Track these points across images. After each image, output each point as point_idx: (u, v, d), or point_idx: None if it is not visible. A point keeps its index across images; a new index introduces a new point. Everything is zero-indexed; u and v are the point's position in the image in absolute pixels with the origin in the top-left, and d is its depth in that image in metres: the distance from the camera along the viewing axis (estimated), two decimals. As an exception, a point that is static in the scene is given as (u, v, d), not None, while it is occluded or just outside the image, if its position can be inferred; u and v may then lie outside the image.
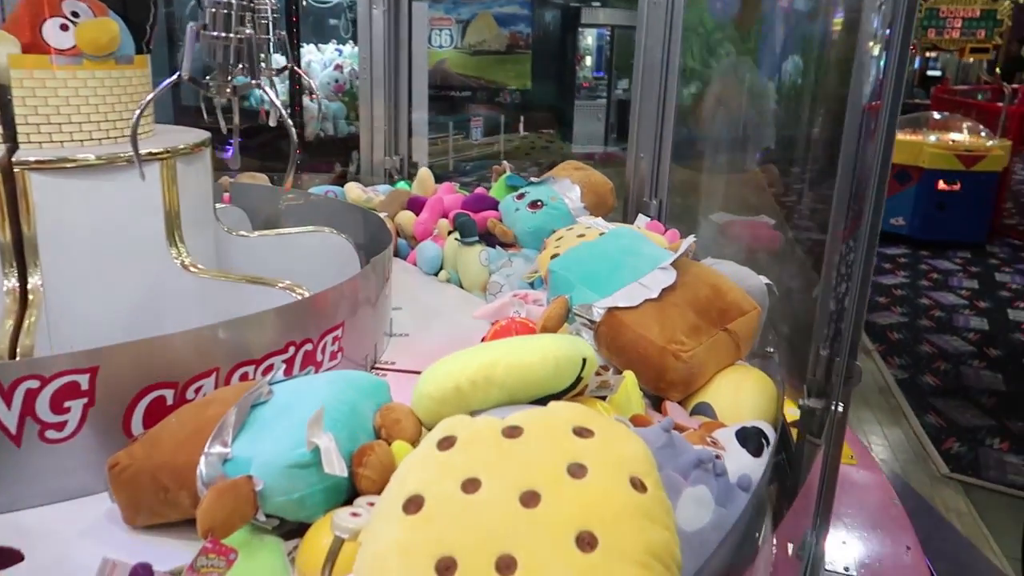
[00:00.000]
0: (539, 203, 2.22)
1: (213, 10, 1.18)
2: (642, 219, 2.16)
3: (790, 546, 1.18)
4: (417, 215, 2.49)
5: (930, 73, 13.98)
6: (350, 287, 1.55)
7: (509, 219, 2.28)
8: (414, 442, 1.04)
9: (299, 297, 1.53)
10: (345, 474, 0.91)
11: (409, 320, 1.97)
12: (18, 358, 1.27)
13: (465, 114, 10.53)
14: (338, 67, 6.88)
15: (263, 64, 1.35)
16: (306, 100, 6.09)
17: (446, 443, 0.82)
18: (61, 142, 1.50)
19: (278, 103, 1.24)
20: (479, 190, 2.66)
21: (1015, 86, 8.95)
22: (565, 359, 1.01)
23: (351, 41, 7.47)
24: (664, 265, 1.42)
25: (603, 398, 1.15)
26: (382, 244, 1.91)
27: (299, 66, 5.78)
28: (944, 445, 3.84)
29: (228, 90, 1.24)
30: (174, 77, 1.17)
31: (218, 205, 1.96)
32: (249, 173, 2.91)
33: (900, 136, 6.56)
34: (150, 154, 1.53)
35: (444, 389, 1.00)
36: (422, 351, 1.79)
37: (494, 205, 2.39)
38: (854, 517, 1.46)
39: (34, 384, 1.08)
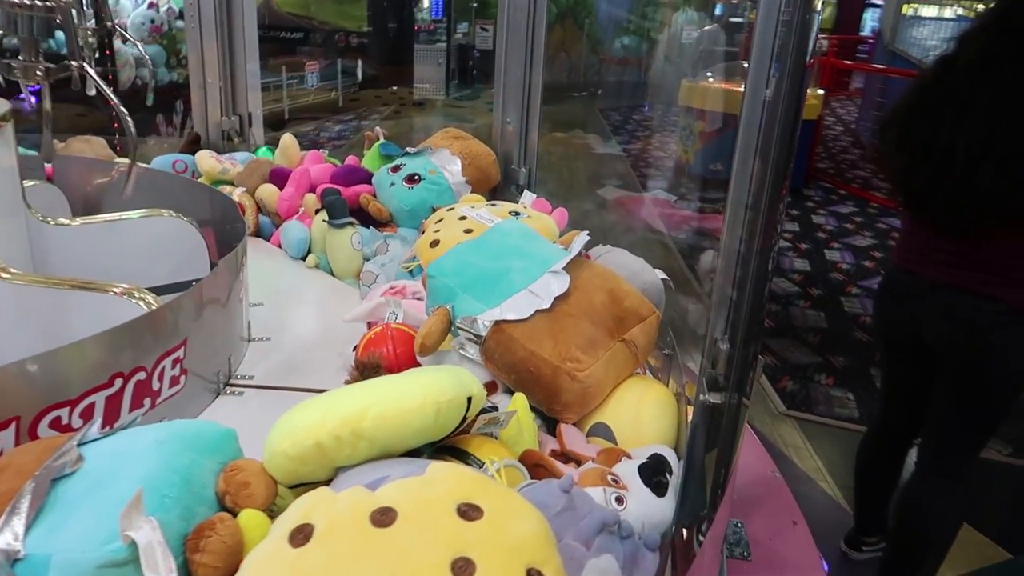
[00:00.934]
0: (416, 177, 2.03)
1: (13, -29, 0.92)
2: (528, 196, 1.99)
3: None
4: (281, 189, 2.21)
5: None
6: (194, 296, 1.31)
7: (384, 195, 2.07)
8: (267, 507, 0.87)
9: (142, 304, 1.31)
10: (174, 573, 0.73)
11: (271, 319, 1.74)
12: None
13: (297, 57, 9.89)
14: (152, 5, 6.14)
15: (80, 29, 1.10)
16: (117, 43, 5.40)
17: (300, 535, 0.67)
18: None
19: (109, 92, 1.01)
20: (350, 159, 2.41)
21: (825, 37, 9.66)
22: (448, 404, 0.87)
23: (165, -25, 6.70)
24: (556, 268, 1.28)
25: (492, 433, 1.05)
26: (234, 229, 1.70)
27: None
28: (780, 384, 4.15)
29: (39, 72, 0.99)
30: (-38, 58, 0.92)
31: (28, 183, 1.65)
32: (82, 137, 2.50)
33: (720, 85, 6.88)
34: (-69, 136, 1.24)
35: (303, 447, 0.83)
36: (287, 359, 1.58)
37: (368, 178, 2.16)
38: (738, 494, 1.48)
39: None
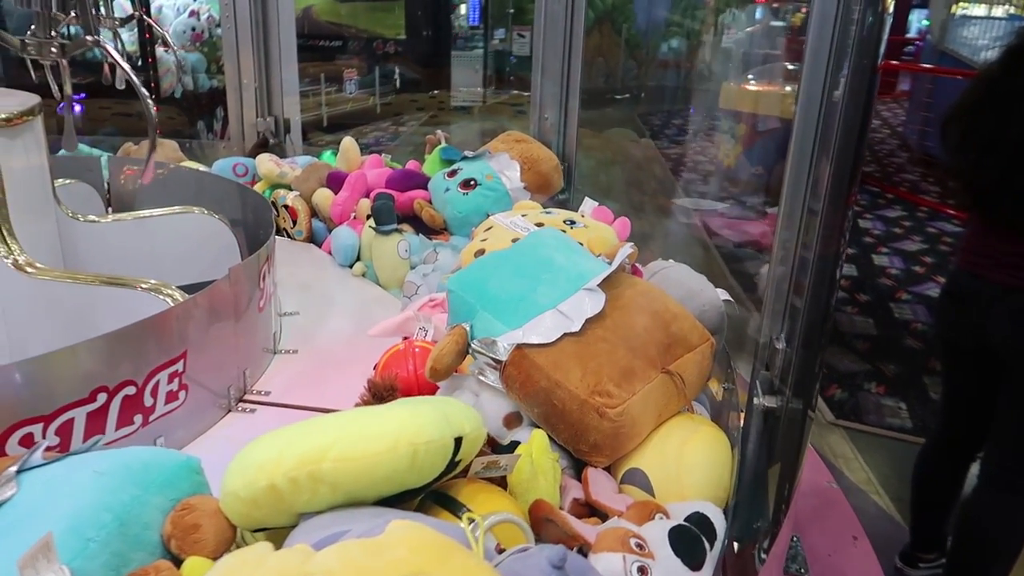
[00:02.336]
0: (472, 182, 1.93)
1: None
2: (588, 204, 1.82)
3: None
4: (337, 193, 2.14)
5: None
6: (195, 305, 1.23)
7: (438, 200, 1.97)
8: (218, 555, 0.76)
9: (168, 300, 1.27)
10: None
11: (304, 330, 1.69)
12: None
13: (337, 65, 9.97)
14: (194, 13, 6.22)
15: (102, 12, 1.05)
16: (160, 51, 5.48)
17: None
18: None
19: (123, 63, 0.97)
20: (411, 164, 2.33)
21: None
22: (427, 445, 0.74)
23: (206, -16, 6.80)
24: (591, 286, 1.10)
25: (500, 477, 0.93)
26: (264, 229, 1.65)
27: (149, 14, 5.18)
28: (828, 392, 4.00)
29: (53, 50, 0.95)
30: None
31: (58, 182, 1.63)
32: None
33: (762, 88, 6.74)
34: (-41, 128, 1.21)
35: (255, 488, 0.72)
36: (310, 374, 1.51)
37: (424, 183, 2.07)
38: (795, 506, 1.38)
39: None
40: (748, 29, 8.24)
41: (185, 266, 1.69)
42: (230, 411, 1.36)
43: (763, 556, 0.89)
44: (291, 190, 2.27)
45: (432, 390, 1.16)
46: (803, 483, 1.47)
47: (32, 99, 1.44)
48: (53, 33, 0.95)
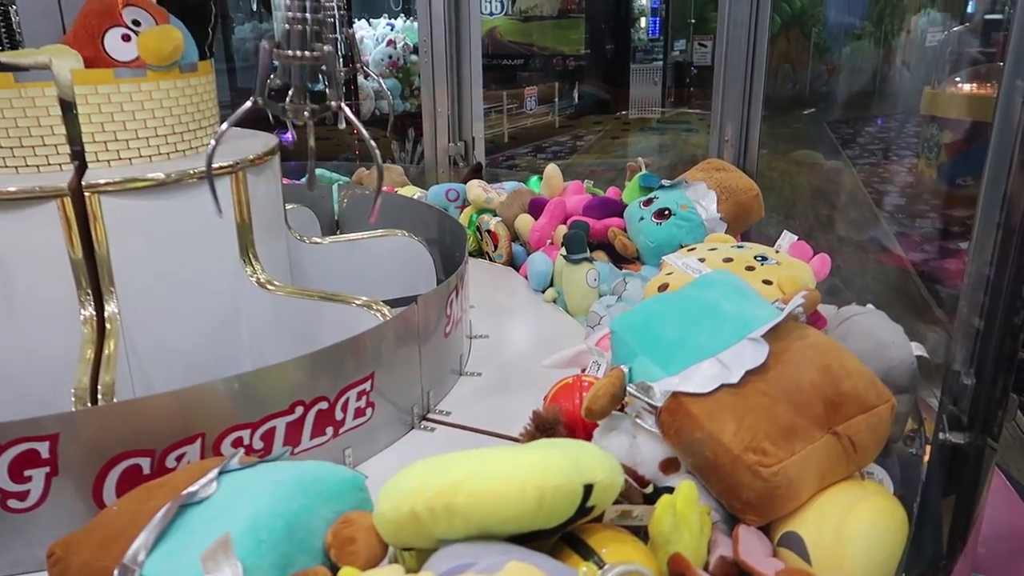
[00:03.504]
0: (667, 212, 1.90)
1: (287, 27, 1.07)
2: (787, 237, 1.70)
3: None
4: (537, 219, 2.22)
5: None
6: (383, 332, 1.35)
7: (633, 229, 1.97)
8: (370, 566, 0.84)
9: (379, 316, 1.44)
10: None
11: (491, 353, 1.76)
12: (100, 397, 1.22)
13: (518, 83, 10.33)
14: (391, 43, 6.75)
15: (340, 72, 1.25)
16: (359, 78, 6.00)
17: None
18: (129, 159, 1.44)
19: (362, 129, 1.14)
20: (611, 191, 2.36)
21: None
22: (554, 490, 0.76)
23: (402, 15, 7.34)
24: (754, 336, 1.05)
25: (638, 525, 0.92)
26: (459, 253, 1.81)
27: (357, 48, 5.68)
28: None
29: (306, 113, 1.14)
30: (248, 103, 1.08)
31: (289, 207, 1.89)
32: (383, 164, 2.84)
33: (972, 91, 6.14)
34: (219, 167, 1.45)
35: (400, 512, 0.79)
36: (491, 398, 1.58)
37: (621, 210, 2.08)
38: (986, 547, 1.30)
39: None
40: (955, 28, 7.57)
41: (389, 283, 1.90)
42: (413, 428, 1.46)
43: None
44: (495, 215, 2.40)
45: (593, 428, 1.16)
46: (1000, 525, 1.38)
47: (272, 140, 1.69)
48: (305, 101, 1.13)
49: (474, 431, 1.45)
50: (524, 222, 2.26)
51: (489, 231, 2.35)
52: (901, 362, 1.17)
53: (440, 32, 2.90)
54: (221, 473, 0.90)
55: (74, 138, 1.41)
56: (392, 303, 1.52)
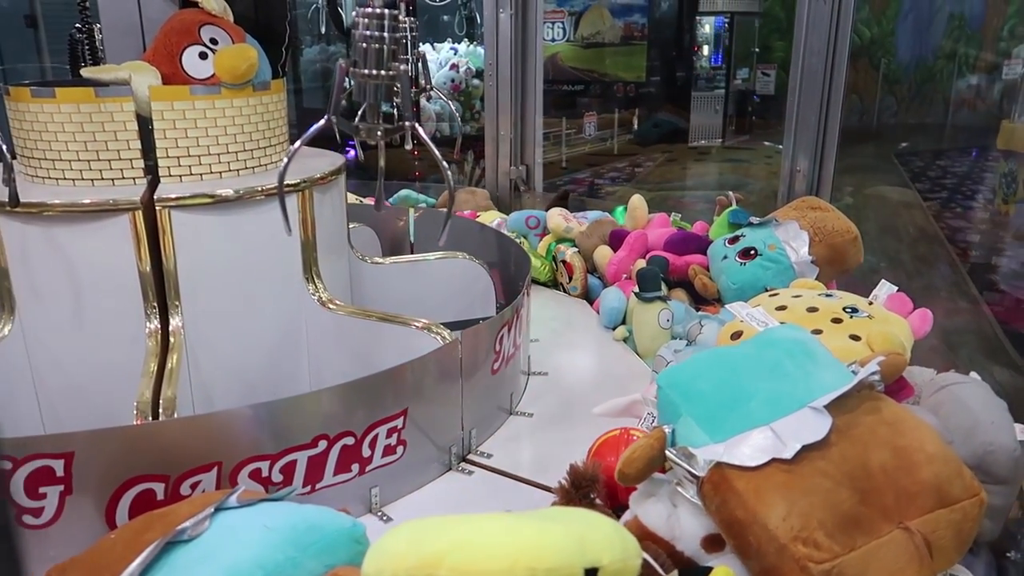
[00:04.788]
0: (752, 252, 1.78)
1: (364, 45, 1.06)
2: (884, 288, 1.53)
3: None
4: (616, 251, 2.13)
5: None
6: (417, 369, 1.28)
7: (715, 268, 1.85)
8: None
9: (439, 339, 1.42)
10: None
11: (547, 392, 1.69)
12: (161, 411, 1.22)
13: (577, 108, 10.34)
14: (454, 66, 6.84)
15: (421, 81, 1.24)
16: (422, 101, 6.08)
17: None
18: (200, 175, 1.45)
19: (435, 149, 1.12)
20: (698, 225, 2.26)
21: None
22: (546, 572, 0.68)
23: (465, 39, 7.44)
24: (816, 404, 0.91)
25: None
26: (521, 279, 1.77)
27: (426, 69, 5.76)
28: None
29: (379, 133, 1.13)
30: (322, 122, 1.08)
31: (352, 226, 1.89)
32: (468, 188, 2.80)
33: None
34: (288, 185, 1.46)
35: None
36: (536, 443, 1.51)
37: (705, 247, 1.96)
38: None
39: (7, 465, 0.96)
40: (1035, 60, 7.30)
41: (449, 304, 1.88)
42: (450, 469, 1.40)
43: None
44: (574, 245, 2.32)
45: (631, 489, 1.06)
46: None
47: (338, 160, 1.70)
48: (378, 120, 1.13)
49: (514, 478, 1.38)
50: (603, 254, 2.17)
51: (564, 262, 2.27)
52: (1002, 448, 1.02)
53: (506, 57, 2.90)
54: (218, 510, 0.86)
55: (148, 153, 1.43)
56: (452, 326, 1.50)
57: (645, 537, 0.93)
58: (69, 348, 1.39)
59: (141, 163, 1.42)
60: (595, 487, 1.03)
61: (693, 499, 0.93)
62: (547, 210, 2.47)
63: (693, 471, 0.91)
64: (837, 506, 0.85)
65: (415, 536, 0.73)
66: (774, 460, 0.87)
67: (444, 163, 1.09)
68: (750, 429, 0.91)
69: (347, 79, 1.09)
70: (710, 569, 0.86)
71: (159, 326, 1.38)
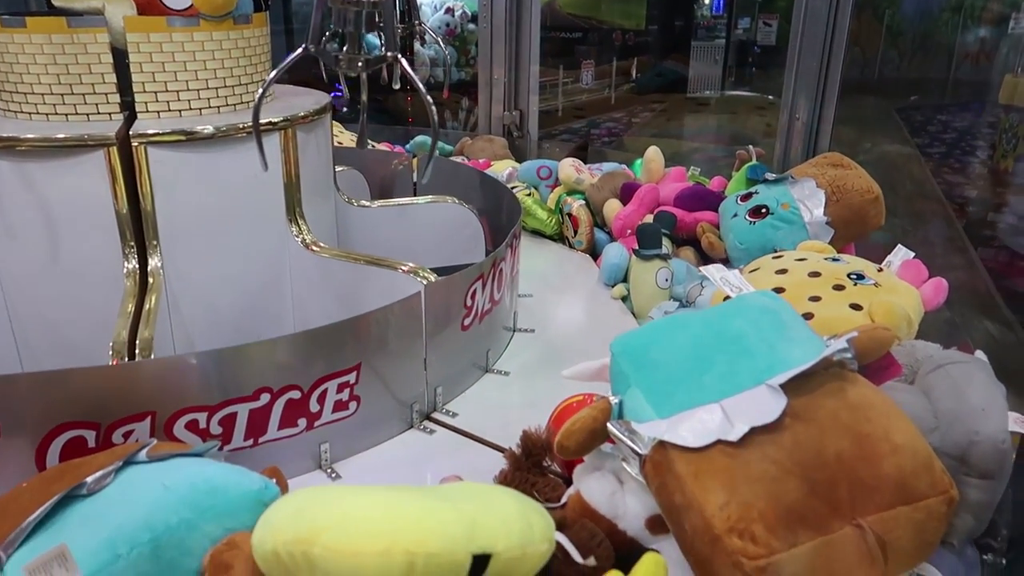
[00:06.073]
0: (764, 210, 1.67)
1: (343, -31, 1.01)
2: (901, 252, 1.44)
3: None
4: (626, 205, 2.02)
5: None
6: (375, 320, 1.20)
7: (724, 226, 1.76)
8: None
9: (424, 283, 1.39)
10: None
11: (528, 351, 1.61)
12: (138, 352, 1.20)
13: (574, 57, 10.15)
14: (449, 10, 6.66)
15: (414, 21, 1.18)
16: (416, 45, 5.94)
17: None
18: (179, 111, 1.40)
19: (420, 84, 1.08)
20: (716, 181, 2.15)
21: None
22: (427, 559, 0.62)
23: (462, -18, 7.25)
24: (772, 382, 0.81)
25: None
26: (511, 222, 1.73)
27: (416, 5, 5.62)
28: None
29: (360, 64, 1.08)
30: (299, 51, 1.03)
31: (338, 169, 1.84)
32: (486, 136, 2.73)
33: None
34: (270, 123, 1.41)
35: (264, 549, 0.67)
36: (509, 402, 1.43)
37: (718, 204, 1.86)
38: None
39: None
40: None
41: (437, 249, 1.84)
42: (411, 427, 1.35)
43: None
44: (585, 197, 2.22)
45: (577, 460, 0.98)
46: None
47: (324, 98, 1.64)
48: (359, 51, 1.08)
49: (476, 439, 1.32)
50: (612, 208, 2.06)
51: (570, 214, 2.17)
52: (988, 438, 0.92)
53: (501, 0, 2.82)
54: (127, 464, 0.80)
55: (125, 88, 1.38)
56: (440, 271, 1.47)
57: (585, 514, 0.87)
58: (45, 287, 1.36)
59: (117, 98, 1.37)
60: (548, 455, 0.98)
61: (638, 477, 0.85)
62: (572, 158, 2.36)
63: (636, 448, 0.82)
64: (782, 497, 0.75)
65: (299, 508, 0.67)
66: (719, 442, 0.78)
67: (428, 98, 1.05)
68: (698, 406, 0.82)
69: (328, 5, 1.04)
70: (639, 556, 0.77)
71: (137, 266, 1.35)
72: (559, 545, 0.70)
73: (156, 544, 0.72)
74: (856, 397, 0.83)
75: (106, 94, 1.35)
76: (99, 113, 1.36)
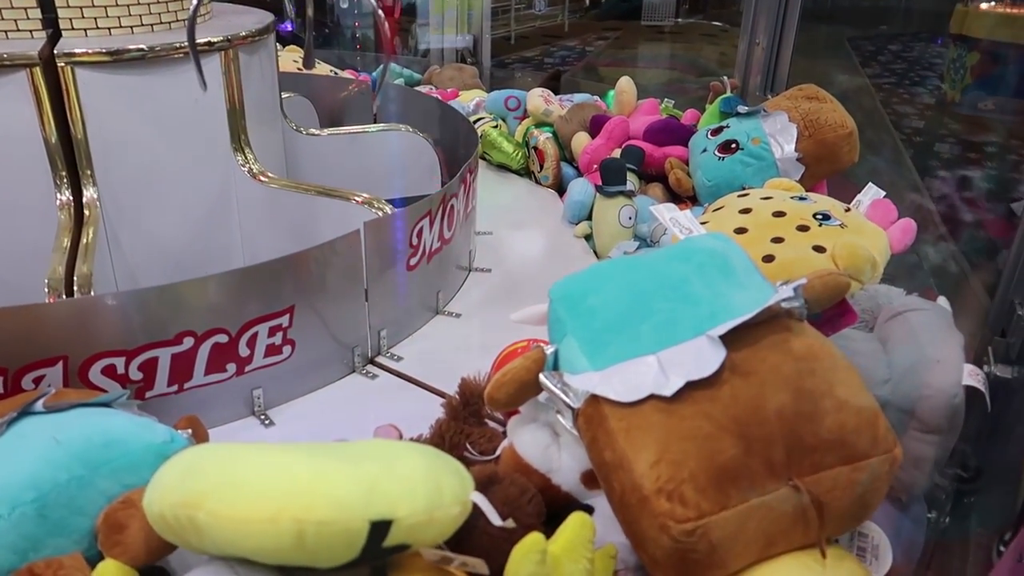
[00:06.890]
0: (733, 145, 1.59)
1: None
2: (871, 191, 1.37)
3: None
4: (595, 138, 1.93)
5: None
6: (309, 260, 1.14)
7: (693, 162, 1.68)
8: (142, 564, 0.66)
9: (379, 213, 1.34)
10: None
11: (483, 290, 1.56)
12: (75, 290, 1.13)
13: (527, -19, 9.83)
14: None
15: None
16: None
17: None
18: (108, 28, 1.30)
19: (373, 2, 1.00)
20: (689, 113, 2.06)
21: None
22: (318, 525, 0.57)
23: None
24: (712, 333, 0.75)
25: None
26: (468, 153, 1.67)
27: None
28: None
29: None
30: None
31: (284, 95, 1.74)
32: (455, 64, 2.60)
33: (1010, 10, 5.86)
34: (208, 44, 1.32)
35: (152, 510, 0.62)
36: (459, 346, 1.38)
37: (687, 138, 1.78)
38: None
39: None
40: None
41: (392, 180, 1.78)
42: (353, 372, 1.29)
43: (1001, 549, 0.81)
44: (552, 130, 2.11)
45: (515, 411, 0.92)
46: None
47: (267, 17, 1.54)
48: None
49: (418, 384, 1.26)
50: (580, 141, 1.97)
51: (536, 148, 2.08)
52: (939, 392, 0.88)
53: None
54: (23, 415, 0.73)
55: (47, 3, 1.26)
56: (395, 203, 1.42)
57: (518, 468, 0.83)
58: (-29, 221, 1.27)
59: (38, 13, 1.26)
60: (480, 404, 0.94)
61: (572, 431, 0.80)
62: (545, 88, 2.26)
63: (568, 401, 0.77)
64: (715, 456, 0.70)
65: (188, 468, 0.62)
66: (652, 396, 0.72)
67: (381, 13, 0.98)
68: (634, 358, 0.76)
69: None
70: (564, 515, 0.71)
71: (71, 198, 1.27)
72: (476, 507, 0.65)
73: (42, 503, 0.67)
74: (801, 349, 0.77)
75: (25, 8, 1.24)
76: (18, 30, 1.25)
